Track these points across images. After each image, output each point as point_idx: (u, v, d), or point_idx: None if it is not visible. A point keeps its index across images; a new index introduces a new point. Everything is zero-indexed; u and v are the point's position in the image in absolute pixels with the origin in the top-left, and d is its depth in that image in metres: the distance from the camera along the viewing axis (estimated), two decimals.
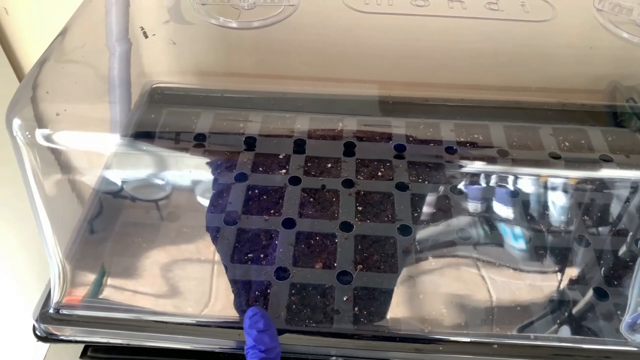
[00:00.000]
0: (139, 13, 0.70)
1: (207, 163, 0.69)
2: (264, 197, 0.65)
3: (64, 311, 0.57)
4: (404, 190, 0.65)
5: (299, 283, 0.57)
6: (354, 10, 0.69)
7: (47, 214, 0.55)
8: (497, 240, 0.62)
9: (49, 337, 0.57)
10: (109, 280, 0.59)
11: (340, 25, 0.69)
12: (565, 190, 0.65)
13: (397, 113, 0.65)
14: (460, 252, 0.61)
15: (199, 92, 0.68)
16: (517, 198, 0.65)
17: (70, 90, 0.57)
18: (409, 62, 0.67)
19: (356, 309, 0.55)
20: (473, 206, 0.65)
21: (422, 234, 0.62)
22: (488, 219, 0.64)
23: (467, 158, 0.64)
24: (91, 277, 0.59)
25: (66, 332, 0.57)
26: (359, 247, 0.60)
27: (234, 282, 0.58)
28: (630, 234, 0.62)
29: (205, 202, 0.66)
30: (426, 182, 0.66)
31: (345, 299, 0.56)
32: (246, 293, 0.57)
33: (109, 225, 0.64)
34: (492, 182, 0.65)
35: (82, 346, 0.58)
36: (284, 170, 0.67)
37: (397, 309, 0.56)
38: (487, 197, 0.65)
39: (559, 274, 0.59)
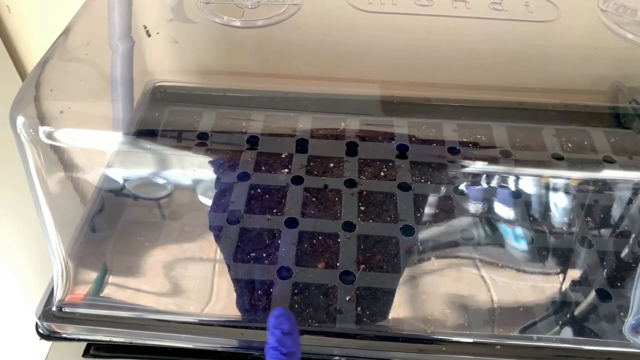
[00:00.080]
0: (142, 11, 0.70)
1: (210, 162, 0.69)
2: (267, 196, 0.65)
3: (67, 309, 0.57)
4: (406, 191, 0.65)
5: (302, 282, 0.57)
6: (358, 10, 0.69)
7: (50, 212, 0.55)
8: (499, 241, 0.62)
9: (52, 335, 0.57)
10: (112, 279, 0.59)
11: (343, 25, 0.69)
12: (567, 192, 0.65)
13: (400, 113, 0.65)
14: (462, 252, 0.61)
15: (202, 90, 0.68)
16: (520, 199, 0.65)
17: (73, 89, 0.57)
18: (412, 62, 0.67)
19: (359, 308, 0.55)
20: (475, 207, 0.65)
21: (424, 234, 0.62)
22: (490, 219, 0.64)
23: (470, 158, 0.64)
24: (93, 275, 0.59)
25: (69, 330, 0.57)
26: (362, 247, 0.60)
27: (236, 282, 0.58)
28: (633, 235, 0.62)
29: (207, 201, 0.66)
30: (429, 183, 0.66)
31: (347, 298, 0.56)
32: (249, 292, 0.57)
33: (111, 223, 0.64)
34: (495, 182, 0.65)
35: (84, 344, 0.58)
36: (286, 170, 0.67)
37: (400, 309, 0.56)
38: (489, 198, 0.65)
39: (561, 275, 0.59)
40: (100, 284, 0.59)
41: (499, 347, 0.54)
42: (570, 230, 0.63)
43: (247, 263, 0.59)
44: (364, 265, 0.58)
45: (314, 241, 0.60)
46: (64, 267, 0.58)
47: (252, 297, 0.56)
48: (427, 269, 0.59)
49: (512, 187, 0.66)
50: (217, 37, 0.68)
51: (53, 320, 0.56)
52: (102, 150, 0.67)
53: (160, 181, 0.68)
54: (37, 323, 0.57)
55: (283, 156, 0.68)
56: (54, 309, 0.57)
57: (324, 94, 0.66)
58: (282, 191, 0.65)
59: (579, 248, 0.61)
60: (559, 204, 0.65)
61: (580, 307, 0.57)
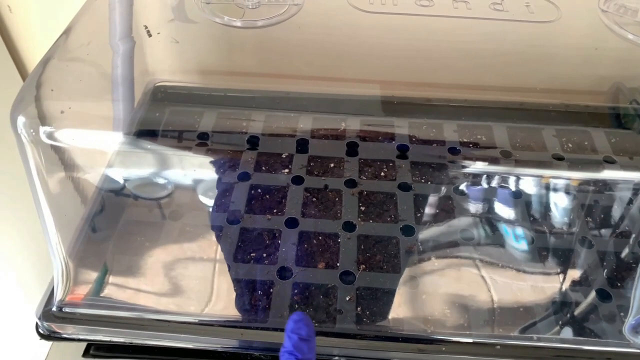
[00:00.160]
0: (143, 11, 0.71)
1: (210, 162, 0.69)
2: (267, 196, 0.65)
3: (67, 309, 0.57)
4: (406, 191, 0.65)
5: (302, 283, 0.57)
6: (359, 10, 0.69)
7: (51, 212, 0.56)
8: (499, 241, 0.62)
9: (52, 335, 0.57)
10: (112, 279, 0.59)
11: (344, 25, 0.69)
12: (568, 192, 0.65)
13: (400, 113, 0.65)
14: (463, 252, 0.61)
15: (202, 90, 0.68)
16: (520, 199, 0.65)
17: (74, 89, 0.57)
18: (413, 62, 0.67)
19: (359, 309, 0.55)
20: (476, 207, 0.65)
21: (424, 234, 0.62)
22: (491, 219, 0.64)
23: (470, 159, 0.64)
24: (94, 275, 0.59)
25: (69, 330, 0.57)
26: (362, 247, 0.60)
27: (236, 281, 0.58)
28: (634, 235, 0.62)
29: (208, 201, 0.66)
30: (429, 183, 0.66)
31: (347, 299, 0.56)
32: (249, 292, 0.57)
33: (111, 223, 0.64)
34: (495, 182, 0.65)
35: (84, 344, 0.58)
36: (286, 170, 0.67)
37: (400, 309, 0.56)
38: (489, 198, 0.65)
39: (561, 276, 0.59)
40: (101, 284, 0.59)
41: (499, 347, 0.54)
42: (571, 230, 0.63)
43: (247, 263, 0.59)
44: (364, 266, 0.58)
45: (314, 241, 0.60)
46: (64, 267, 0.58)
47: (252, 297, 0.56)
48: (427, 269, 0.59)
49: (512, 187, 0.66)
50: (218, 37, 0.68)
51: (53, 320, 0.56)
52: (103, 150, 0.67)
53: (161, 181, 0.68)
54: (37, 323, 0.57)
55: (283, 156, 0.68)
56: (54, 309, 0.57)
57: (325, 94, 0.66)
58: (283, 191, 0.65)
59: (579, 248, 0.61)
60: (560, 204, 0.65)
61: (580, 307, 0.57)
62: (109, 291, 0.58)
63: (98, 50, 0.62)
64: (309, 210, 0.63)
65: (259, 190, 0.65)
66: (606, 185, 0.65)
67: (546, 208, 0.65)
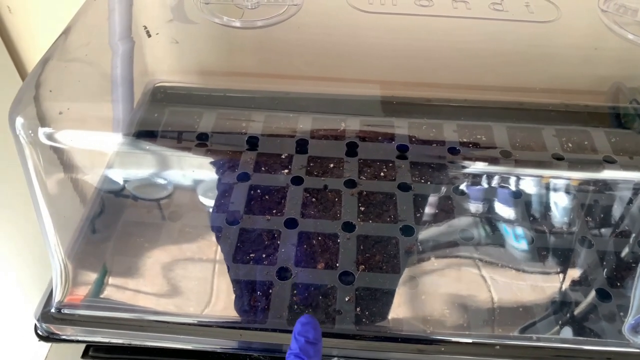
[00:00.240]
0: (142, 12, 0.70)
1: (210, 162, 0.69)
2: (266, 197, 0.64)
3: (66, 311, 0.57)
4: (406, 191, 0.65)
5: (301, 283, 0.57)
6: (358, 10, 0.69)
7: (50, 213, 0.55)
8: (499, 241, 0.62)
9: (51, 336, 0.57)
10: (111, 280, 0.59)
11: (343, 25, 0.69)
12: (568, 192, 0.65)
13: (400, 113, 0.65)
14: (462, 252, 0.61)
15: (202, 91, 0.68)
16: (520, 199, 0.65)
17: (73, 89, 0.57)
18: (412, 63, 0.67)
19: (358, 309, 0.55)
20: (475, 207, 0.64)
21: (424, 234, 0.62)
22: (490, 219, 0.64)
23: (470, 159, 0.64)
24: (93, 277, 0.59)
25: (68, 331, 0.57)
26: (361, 247, 0.60)
27: (236, 282, 0.58)
28: (633, 235, 0.62)
29: (207, 201, 0.66)
30: (429, 183, 0.66)
31: (347, 299, 0.56)
32: (248, 293, 0.57)
33: (111, 224, 0.64)
34: (495, 182, 0.65)
35: (83, 346, 0.58)
36: (286, 170, 0.67)
37: (399, 310, 0.56)
38: (489, 198, 0.65)
39: (561, 275, 0.59)
40: (100, 285, 0.59)
41: (498, 347, 0.54)
42: (571, 230, 0.63)
43: (246, 264, 0.59)
44: (363, 266, 0.58)
45: (314, 242, 0.60)
46: (62, 269, 0.58)
47: (252, 297, 0.56)
48: (427, 269, 0.59)
49: (512, 187, 0.66)
50: (217, 38, 0.68)
51: (52, 321, 0.56)
52: (102, 151, 0.67)
53: (160, 182, 0.68)
54: (36, 325, 0.57)
55: (283, 157, 0.68)
56: (53, 310, 0.57)
57: (324, 95, 0.66)
58: (282, 192, 0.65)
59: (579, 248, 0.61)
60: (559, 204, 0.65)
61: (580, 307, 0.57)
62: (108, 292, 0.58)
63: (97, 50, 0.62)
64: (308, 211, 0.63)
65: (259, 191, 0.65)
66: (606, 185, 0.65)
67: (546, 208, 0.64)
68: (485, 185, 0.65)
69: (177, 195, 0.67)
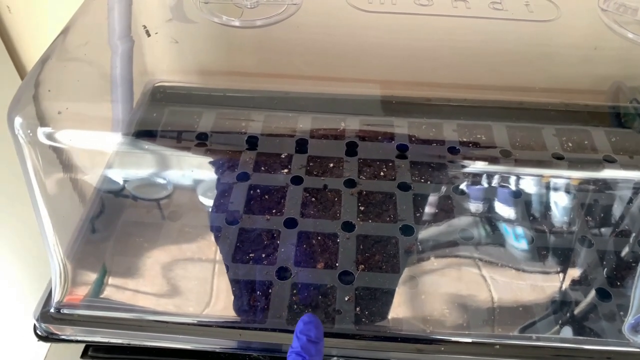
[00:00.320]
0: (142, 11, 0.70)
1: (209, 162, 0.69)
2: (266, 196, 0.64)
3: (65, 311, 0.57)
4: (406, 190, 0.65)
5: (301, 283, 0.57)
6: (357, 10, 0.69)
7: (49, 213, 0.55)
8: (499, 241, 0.62)
9: (50, 336, 0.57)
10: (110, 280, 0.59)
11: (343, 25, 0.69)
12: (568, 191, 0.65)
13: (400, 113, 0.65)
14: (462, 252, 0.61)
15: (201, 91, 0.68)
16: (520, 198, 0.65)
17: (72, 89, 0.57)
18: (412, 62, 0.67)
19: (358, 309, 0.55)
20: (475, 206, 0.64)
21: (424, 234, 0.61)
22: (490, 219, 0.64)
23: (470, 158, 0.64)
24: (92, 277, 0.59)
25: (67, 331, 0.57)
26: (361, 247, 0.60)
27: (235, 282, 0.58)
28: (633, 234, 0.62)
29: (206, 201, 0.66)
30: (428, 182, 0.65)
31: (346, 299, 0.56)
32: (248, 293, 0.57)
33: (110, 224, 0.64)
34: (495, 182, 0.65)
35: (82, 346, 0.58)
36: (286, 170, 0.67)
37: (399, 309, 0.56)
38: (489, 198, 0.65)
39: (561, 275, 0.59)
40: (100, 285, 0.59)
41: (498, 347, 0.54)
42: (571, 229, 0.63)
43: (246, 264, 0.59)
44: (363, 266, 0.58)
45: (313, 241, 0.60)
46: (61, 269, 0.58)
47: (251, 297, 0.56)
48: (427, 268, 0.59)
49: (512, 186, 0.65)
50: (217, 37, 0.68)
51: (51, 321, 0.56)
52: (102, 151, 0.66)
53: (160, 182, 0.68)
54: (35, 325, 0.57)
55: (283, 156, 0.68)
56: (52, 310, 0.56)
57: (324, 94, 0.66)
58: (282, 191, 0.65)
59: (579, 247, 0.61)
60: (559, 204, 0.64)
61: (580, 306, 0.57)
62: (107, 292, 0.58)
63: (96, 50, 0.62)
64: (308, 211, 0.63)
65: (258, 191, 0.65)
66: (606, 185, 0.65)
67: (546, 207, 0.64)
68: (485, 184, 0.65)
69: (176, 195, 0.67)
